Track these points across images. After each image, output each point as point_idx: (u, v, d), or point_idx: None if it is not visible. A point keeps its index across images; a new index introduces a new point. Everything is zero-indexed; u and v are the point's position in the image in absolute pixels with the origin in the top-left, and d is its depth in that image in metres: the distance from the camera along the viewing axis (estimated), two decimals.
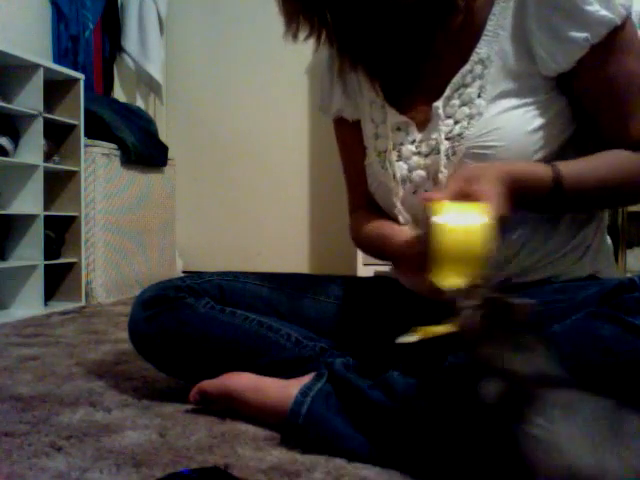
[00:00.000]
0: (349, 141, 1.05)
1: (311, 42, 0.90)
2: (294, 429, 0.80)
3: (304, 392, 0.81)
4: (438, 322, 0.79)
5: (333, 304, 1.04)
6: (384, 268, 1.06)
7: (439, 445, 0.71)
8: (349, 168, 1.07)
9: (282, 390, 0.85)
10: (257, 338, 0.98)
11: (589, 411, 0.53)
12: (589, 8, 0.78)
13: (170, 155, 2.91)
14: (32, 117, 2.14)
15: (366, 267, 2.52)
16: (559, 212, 0.87)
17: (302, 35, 0.86)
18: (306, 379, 0.85)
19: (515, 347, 0.59)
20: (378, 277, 1.13)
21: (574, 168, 0.81)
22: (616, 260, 2.41)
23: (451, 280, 0.67)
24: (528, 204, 0.80)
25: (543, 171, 0.79)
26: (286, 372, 0.91)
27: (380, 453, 0.74)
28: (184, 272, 2.97)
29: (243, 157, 3.20)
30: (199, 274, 1.08)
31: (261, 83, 3.15)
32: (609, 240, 0.98)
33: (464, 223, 0.67)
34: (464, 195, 0.71)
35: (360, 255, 2.54)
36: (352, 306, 1.04)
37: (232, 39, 3.18)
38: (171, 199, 2.98)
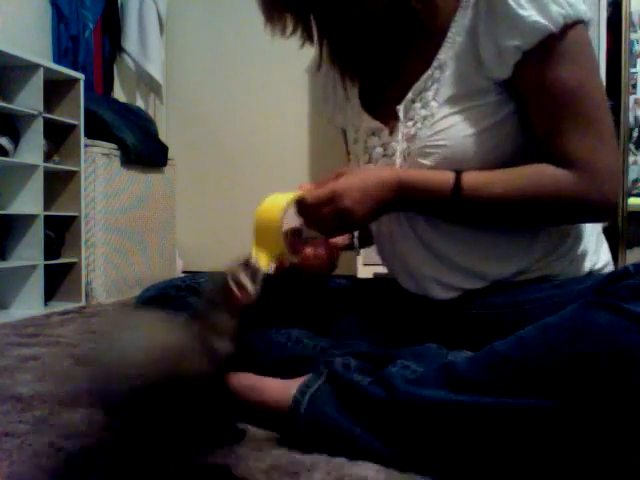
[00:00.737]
0: (345, 142, 1.11)
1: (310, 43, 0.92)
2: (294, 428, 0.80)
3: (302, 391, 0.81)
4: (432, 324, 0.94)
5: (332, 304, 1.04)
6: (384, 269, 1.06)
7: (441, 438, 0.71)
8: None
9: (282, 390, 0.85)
10: (257, 337, 0.98)
11: None
12: (523, 13, 0.78)
13: (170, 155, 2.91)
14: (32, 117, 2.14)
15: (366, 268, 2.52)
16: (466, 221, 0.88)
17: (280, 30, 0.88)
18: (305, 378, 0.85)
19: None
20: (377, 278, 1.13)
21: (479, 179, 0.83)
22: (616, 260, 2.41)
23: (255, 250, 0.83)
24: (425, 208, 0.87)
25: (443, 179, 0.83)
26: (286, 372, 0.91)
27: (385, 447, 0.74)
28: (184, 272, 2.97)
29: (243, 157, 3.20)
30: (200, 274, 1.08)
31: (261, 83, 3.15)
32: (606, 244, 0.98)
33: (267, 204, 0.82)
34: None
35: (360, 256, 2.54)
36: (351, 306, 1.04)
37: (232, 39, 3.18)
38: (171, 199, 2.99)
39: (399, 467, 0.72)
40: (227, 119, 3.21)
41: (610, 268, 0.95)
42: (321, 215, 0.83)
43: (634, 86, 2.59)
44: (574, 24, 0.79)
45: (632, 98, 2.58)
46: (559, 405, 0.64)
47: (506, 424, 0.67)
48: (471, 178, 0.82)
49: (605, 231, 0.98)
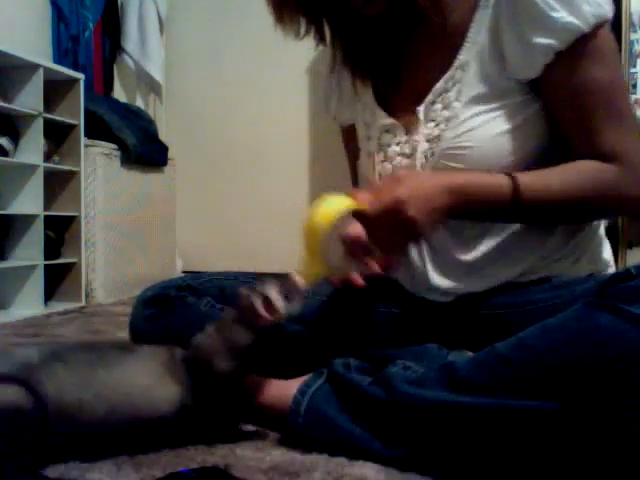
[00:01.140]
0: (345, 140, 1.11)
1: (310, 43, 0.92)
2: (294, 428, 0.80)
3: (303, 391, 0.81)
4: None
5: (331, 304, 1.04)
6: None
7: (441, 438, 0.71)
8: (349, 163, 1.12)
9: (282, 390, 0.85)
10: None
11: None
12: (555, 15, 0.78)
13: (170, 155, 2.91)
14: (32, 117, 2.14)
15: None
16: (519, 222, 0.87)
17: (294, 32, 0.88)
18: (305, 378, 0.85)
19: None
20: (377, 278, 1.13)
21: (534, 179, 0.81)
22: (616, 260, 2.41)
23: (302, 263, 0.79)
24: (483, 214, 0.83)
25: (499, 182, 0.80)
26: (286, 372, 0.91)
27: (385, 447, 0.74)
28: (184, 272, 2.97)
29: (243, 157, 3.20)
30: (200, 274, 1.08)
31: (261, 83, 3.15)
32: (608, 245, 0.98)
33: (313, 218, 0.75)
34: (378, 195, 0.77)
35: None
36: (350, 306, 1.04)
37: (232, 39, 3.18)
38: (171, 199, 2.99)
39: (399, 467, 0.72)
40: (227, 119, 3.20)
41: (612, 269, 0.95)
42: (384, 228, 0.77)
43: (634, 86, 2.60)
44: (603, 23, 0.79)
45: (632, 98, 2.58)
46: (560, 407, 0.64)
47: (506, 426, 0.67)
48: (527, 179, 0.81)
49: (605, 231, 0.98)
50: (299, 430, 0.79)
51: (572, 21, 0.78)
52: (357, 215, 0.78)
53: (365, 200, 0.76)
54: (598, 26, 0.79)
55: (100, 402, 0.73)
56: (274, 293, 0.78)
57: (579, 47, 0.79)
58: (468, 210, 0.81)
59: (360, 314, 1.01)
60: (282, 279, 0.79)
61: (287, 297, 0.78)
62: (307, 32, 0.89)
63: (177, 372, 0.78)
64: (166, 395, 0.76)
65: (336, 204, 0.76)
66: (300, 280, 0.78)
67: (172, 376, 0.77)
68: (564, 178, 0.82)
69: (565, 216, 0.86)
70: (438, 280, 0.92)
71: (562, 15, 0.78)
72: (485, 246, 0.88)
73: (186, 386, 0.77)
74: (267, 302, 0.77)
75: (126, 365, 0.76)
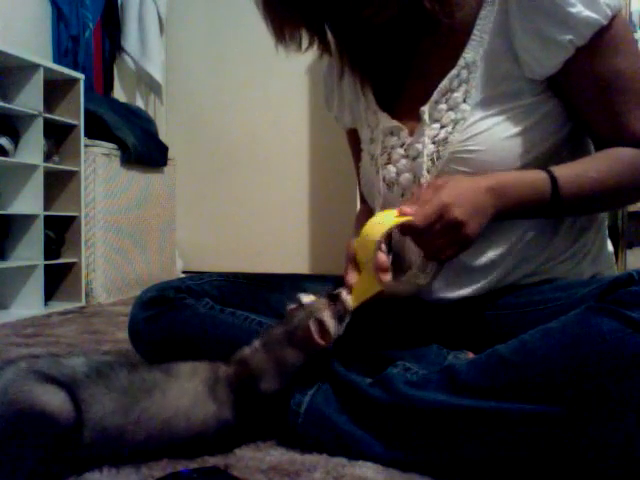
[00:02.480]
0: (349, 142, 1.12)
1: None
2: (294, 428, 0.80)
3: (303, 391, 0.81)
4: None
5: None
6: None
7: (441, 441, 0.71)
8: (355, 165, 1.12)
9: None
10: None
11: None
12: (572, 10, 0.78)
13: (170, 155, 2.91)
14: (32, 117, 2.14)
15: None
16: (558, 216, 0.87)
17: (295, 46, 0.89)
18: (305, 379, 0.85)
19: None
20: None
21: (570, 171, 0.81)
22: (616, 260, 2.41)
23: (356, 282, 0.82)
24: (522, 211, 0.82)
25: (537, 178, 0.80)
26: None
27: (385, 449, 0.74)
28: (184, 272, 2.97)
29: (243, 157, 3.20)
30: (199, 275, 1.08)
31: (261, 83, 3.15)
32: (610, 246, 0.98)
33: (362, 236, 0.78)
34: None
35: None
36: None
37: (232, 39, 3.18)
38: (171, 199, 2.98)
39: (399, 468, 0.72)
40: (227, 119, 3.21)
41: (614, 270, 0.95)
42: (433, 235, 0.76)
43: None
44: (617, 13, 0.80)
45: None
46: (560, 411, 0.64)
47: (507, 429, 0.66)
48: (564, 171, 0.81)
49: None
50: (299, 430, 0.79)
51: (591, 15, 0.78)
52: (404, 228, 0.78)
53: (410, 212, 0.76)
54: (614, 16, 0.79)
55: (140, 429, 0.73)
56: (328, 318, 0.78)
57: (599, 40, 0.79)
58: (509, 207, 0.80)
59: (362, 316, 1.01)
60: (333, 297, 0.79)
61: (338, 319, 0.79)
62: (310, 45, 0.88)
63: (219, 389, 0.77)
64: (206, 414, 0.76)
65: (383, 221, 0.77)
66: (350, 300, 0.80)
67: (213, 394, 0.77)
68: (599, 166, 0.82)
69: (603, 204, 0.87)
70: (442, 285, 0.91)
71: (580, 9, 0.78)
72: (493, 251, 0.88)
73: (227, 404, 0.77)
74: (321, 326, 0.78)
75: (167, 389, 0.76)
